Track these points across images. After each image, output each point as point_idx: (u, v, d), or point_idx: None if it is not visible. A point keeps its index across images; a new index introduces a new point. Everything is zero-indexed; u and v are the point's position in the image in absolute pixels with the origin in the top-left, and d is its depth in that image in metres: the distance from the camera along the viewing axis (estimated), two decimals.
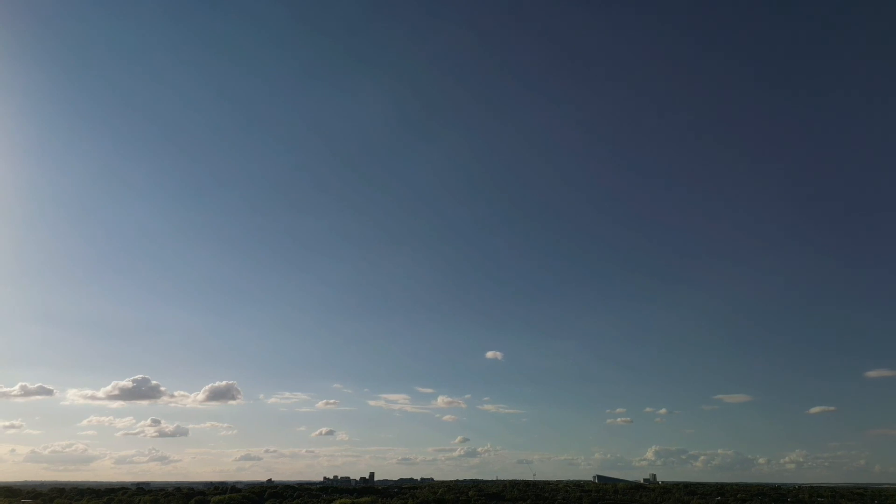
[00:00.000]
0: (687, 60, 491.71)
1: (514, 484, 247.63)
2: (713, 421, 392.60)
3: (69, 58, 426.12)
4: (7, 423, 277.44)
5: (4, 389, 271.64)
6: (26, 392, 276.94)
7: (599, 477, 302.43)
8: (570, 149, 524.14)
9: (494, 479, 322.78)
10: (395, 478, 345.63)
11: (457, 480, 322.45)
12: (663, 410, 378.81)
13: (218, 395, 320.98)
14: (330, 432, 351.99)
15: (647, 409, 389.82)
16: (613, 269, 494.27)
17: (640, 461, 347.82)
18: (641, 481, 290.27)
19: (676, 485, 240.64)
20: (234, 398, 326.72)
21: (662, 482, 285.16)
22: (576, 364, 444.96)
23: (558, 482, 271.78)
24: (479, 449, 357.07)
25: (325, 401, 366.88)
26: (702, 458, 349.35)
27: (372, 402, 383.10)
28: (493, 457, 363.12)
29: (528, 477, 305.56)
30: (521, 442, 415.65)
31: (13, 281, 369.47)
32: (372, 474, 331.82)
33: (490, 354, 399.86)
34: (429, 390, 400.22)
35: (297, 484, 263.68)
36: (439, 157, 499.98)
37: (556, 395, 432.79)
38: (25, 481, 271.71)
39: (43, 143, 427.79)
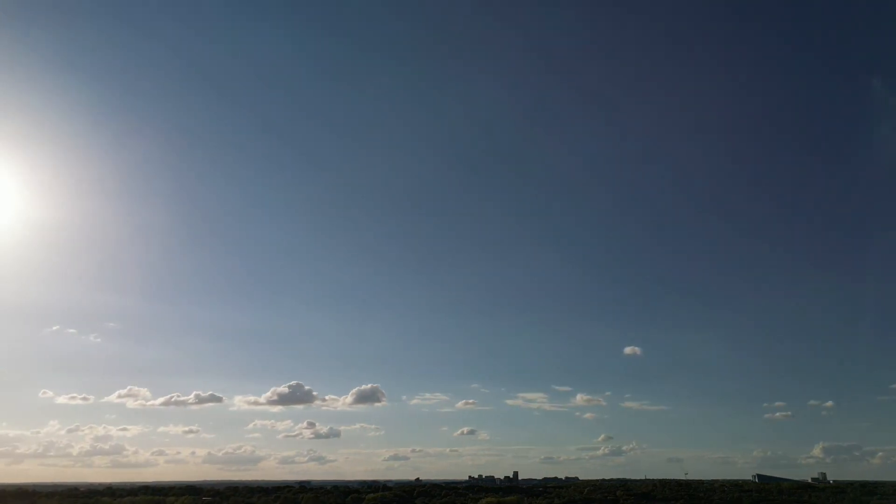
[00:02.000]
0: None
1: (664, 483, 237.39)
2: (891, 413, 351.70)
3: (216, 85, 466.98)
4: (186, 429, 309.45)
5: (182, 398, 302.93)
6: (200, 400, 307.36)
7: (760, 476, 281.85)
8: (700, 143, 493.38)
9: (643, 478, 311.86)
10: (539, 477, 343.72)
11: (602, 480, 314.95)
12: (829, 403, 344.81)
13: (364, 397, 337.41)
14: (471, 432, 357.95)
15: (812, 403, 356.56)
16: (756, 254, 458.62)
17: (807, 459, 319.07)
18: (809, 480, 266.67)
19: (851, 484, 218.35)
20: (378, 400, 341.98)
21: (834, 481, 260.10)
22: (721, 357, 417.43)
23: (713, 481, 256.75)
24: (624, 447, 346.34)
25: (463, 401, 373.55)
26: (879, 454, 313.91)
27: (510, 402, 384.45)
28: (639, 455, 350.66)
29: (680, 476, 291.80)
30: (668, 439, 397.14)
31: (184, 300, 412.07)
32: (516, 473, 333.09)
33: (628, 350, 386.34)
34: (566, 388, 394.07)
35: (444, 482, 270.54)
36: (568, 152, 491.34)
37: (702, 389, 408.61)
38: (205, 480, 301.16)
39: (192, 167, 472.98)
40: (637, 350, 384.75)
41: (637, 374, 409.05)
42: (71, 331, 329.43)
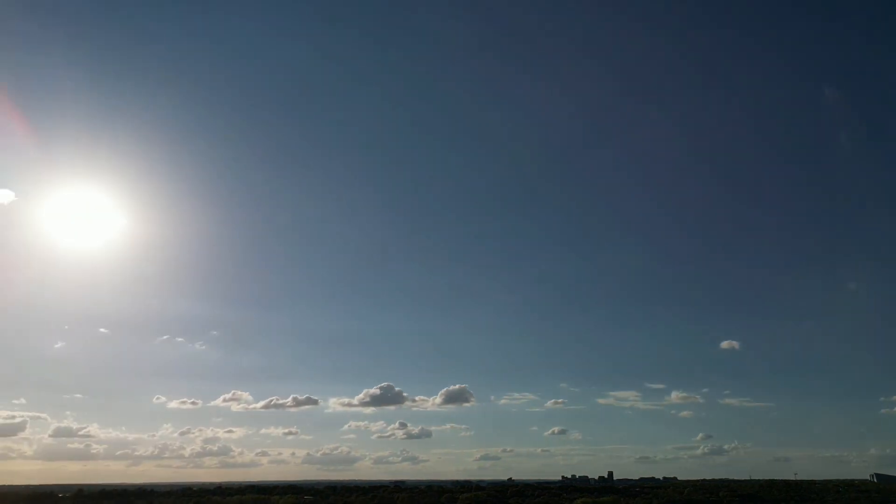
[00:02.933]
0: None
1: (771, 484, 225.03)
2: None
3: (305, 94, 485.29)
4: (286, 430, 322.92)
5: (281, 401, 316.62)
6: (297, 402, 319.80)
7: (879, 476, 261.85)
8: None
9: (747, 478, 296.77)
10: (635, 477, 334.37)
11: (703, 480, 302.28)
12: None
13: (453, 398, 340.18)
14: (562, 431, 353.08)
15: None
16: (869, 233, 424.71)
17: None
18: None
19: None
20: (467, 401, 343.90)
21: None
22: (830, 348, 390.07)
23: (826, 482, 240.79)
24: (726, 446, 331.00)
25: (553, 400, 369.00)
26: None
27: (601, 401, 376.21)
28: (742, 454, 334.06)
29: (788, 476, 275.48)
30: (773, 438, 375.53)
31: (280, 308, 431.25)
32: (611, 473, 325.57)
33: (725, 344, 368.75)
34: (660, 386, 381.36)
35: (537, 482, 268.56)
36: (649, 142, 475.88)
37: (809, 384, 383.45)
38: (305, 480, 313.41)
39: (281, 178, 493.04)
40: (735, 344, 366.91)
41: (735, 370, 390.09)
42: (179, 340, 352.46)
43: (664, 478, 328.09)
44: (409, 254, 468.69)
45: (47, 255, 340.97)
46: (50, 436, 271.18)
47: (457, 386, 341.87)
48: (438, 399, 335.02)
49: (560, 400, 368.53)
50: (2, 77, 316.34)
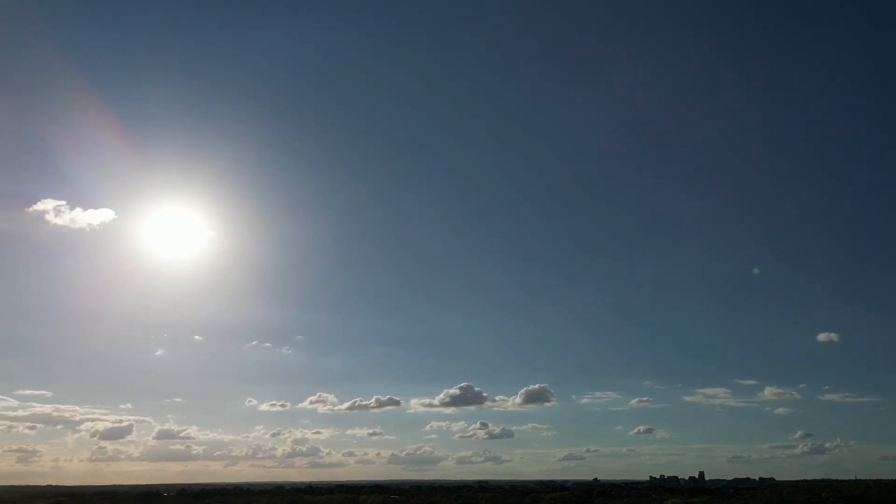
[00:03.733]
0: None
1: (880, 484, 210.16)
2: None
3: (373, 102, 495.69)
4: (370, 431, 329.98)
5: (364, 402, 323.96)
6: (380, 403, 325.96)
7: None
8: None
9: (853, 478, 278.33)
10: (728, 477, 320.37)
11: (803, 480, 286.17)
12: None
13: (533, 397, 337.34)
14: (648, 430, 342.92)
15: None
16: None
17: None
18: None
19: None
20: (548, 400, 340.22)
21: None
22: None
23: None
24: (827, 445, 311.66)
25: (637, 399, 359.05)
26: None
27: (688, 398, 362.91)
28: (846, 453, 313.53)
29: None
30: (881, 435, 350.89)
31: (361, 311, 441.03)
32: (702, 473, 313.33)
33: (822, 337, 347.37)
34: (752, 382, 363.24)
35: (623, 483, 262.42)
36: (725, 128, 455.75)
37: None
38: (391, 480, 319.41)
39: (358, 185, 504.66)
40: (833, 336, 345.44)
41: (835, 364, 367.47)
42: (267, 345, 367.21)
43: (760, 478, 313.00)
44: (486, 255, 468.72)
45: (145, 269, 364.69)
46: (154, 438, 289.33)
47: (537, 386, 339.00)
48: (518, 399, 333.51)
49: (645, 398, 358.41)
50: (108, 104, 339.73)
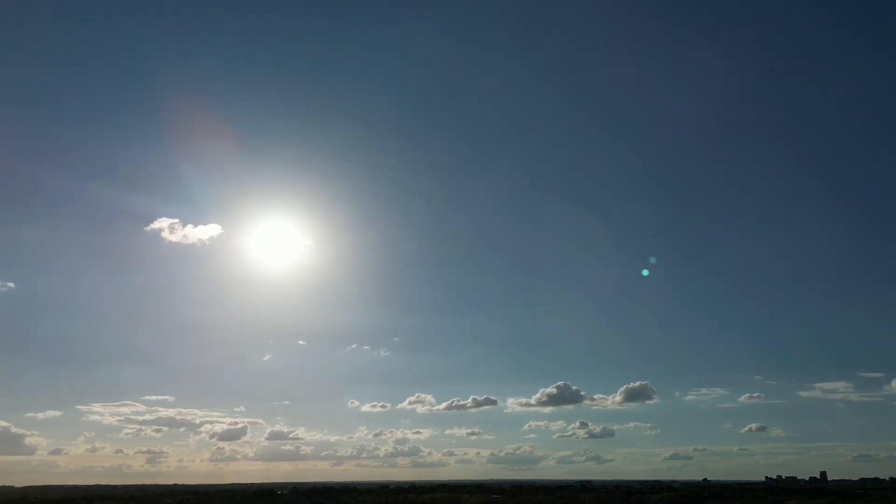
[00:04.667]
0: None
1: None
2: None
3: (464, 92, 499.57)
4: (469, 431, 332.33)
5: (462, 402, 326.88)
6: (477, 403, 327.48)
7: None
8: None
9: None
10: (854, 477, 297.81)
11: None
12: None
13: (634, 395, 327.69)
14: (761, 428, 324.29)
15: None
16: None
17: None
18: None
19: None
20: (649, 398, 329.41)
21: None
22: None
23: None
24: None
25: (747, 395, 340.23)
26: None
27: (804, 394, 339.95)
28: None
29: None
30: None
31: (455, 312, 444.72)
32: (823, 473, 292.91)
33: None
34: (877, 375, 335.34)
35: (736, 483, 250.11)
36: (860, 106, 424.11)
37: None
38: (492, 479, 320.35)
39: (458, 184, 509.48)
40: None
41: None
42: (366, 347, 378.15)
43: (890, 478, 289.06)
44: (581, 251, 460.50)
45: (251, 279, 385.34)
46: (266, 439, 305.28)
47: (637, 383, 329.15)
48: (618, 397, 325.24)
49: (755, 394, 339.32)
50: (216, 124, 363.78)
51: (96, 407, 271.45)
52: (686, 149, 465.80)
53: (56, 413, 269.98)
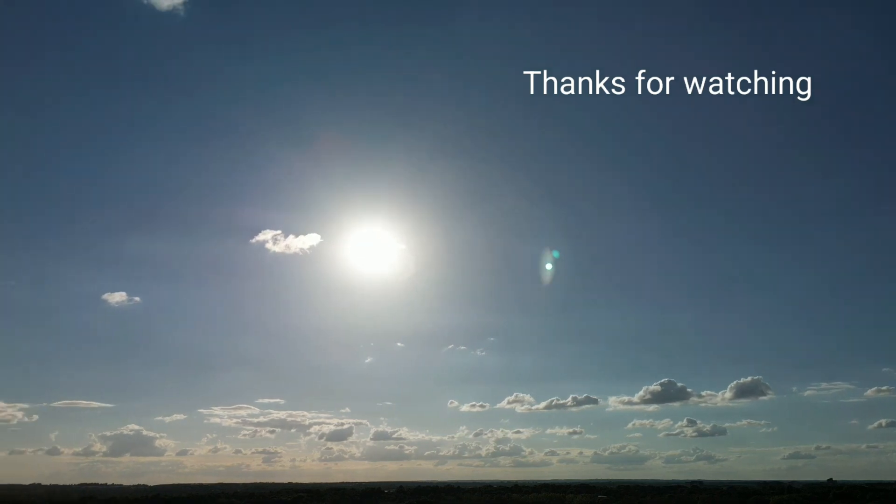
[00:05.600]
0: None
1: None
2: None
3: None
4: (570, 430, 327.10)
5: (561, 401, 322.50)
6: (577, 402, 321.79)
7: None
8: None
9: None
10: None
11: None
12: None
13: (745, 391, 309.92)
14: (893, 424, 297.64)
15: None
16: None
17: None
18: None
19: None
20: (763, 394, 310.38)
21: None
22: None
23: None
24: None
25: (874, 388, 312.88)
26: None
27: None
28: None
29: None
30: None
31: (550, 310, 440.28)
32: None
33: None
34: None
35: (867, 484, 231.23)
36: None
37: None
38: (596, 479, 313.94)
39: (555, 180, 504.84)
40: None
41: None
42: (462, 348, 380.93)
43: None
44: (680, 241, 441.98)
45: (350, 285, 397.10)
46: (371, 439, 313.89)
47: (748, 378, 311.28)
48: (728, 394, 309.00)
49: (885, 388, 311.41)
50: (312, 137, 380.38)
51: (216, 410, 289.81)
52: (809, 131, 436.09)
53: (181, 416, 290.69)
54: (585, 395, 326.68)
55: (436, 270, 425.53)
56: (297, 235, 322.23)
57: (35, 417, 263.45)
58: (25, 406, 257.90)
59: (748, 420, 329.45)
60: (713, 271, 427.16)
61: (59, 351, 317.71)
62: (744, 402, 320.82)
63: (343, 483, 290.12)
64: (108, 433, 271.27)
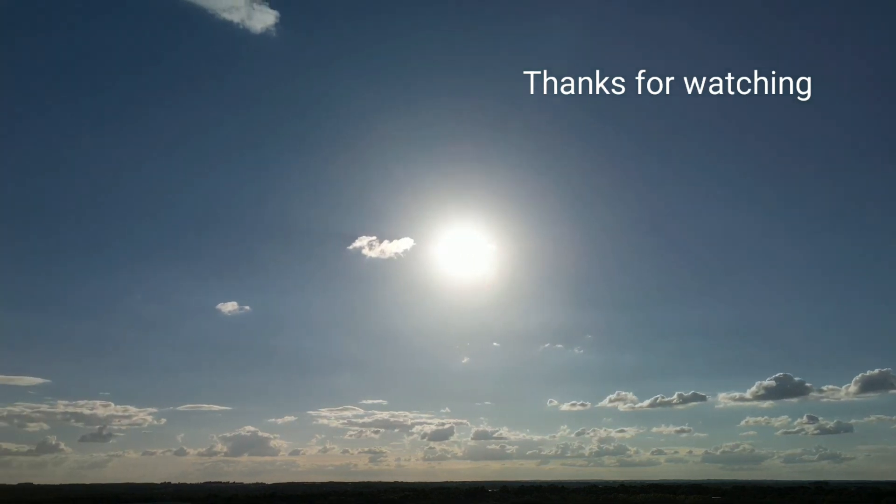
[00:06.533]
0: None
1: None
2: None
3: None
4: (677, 429, 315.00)
5: (666, 399, 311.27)
6: (683, 399, 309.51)
7: None
8: None
9: None
10: None
11: None
12: None
13: (873, 385, 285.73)
14: None
15: None
16: None
17: None
18: None
19: None
20: (893, 387, 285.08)
21: None
22: None
23: None
24: None
25: None
26: None
27: None
28: None
29: None
30: None
31: (649, 305, 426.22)
32: None
33: None
34: None
35: None
36: None
37: None
38: (708, 479, 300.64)
39: (656, 170, 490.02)
40: None
41: None
42: (559, 346, 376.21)
43: None
44: (792, 228, 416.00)
45: (443, 287, 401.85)
46: (472, 439, 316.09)
47: (875, 371, 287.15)
48: (853, 387, 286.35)
49: None
50: (397, 144, 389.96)
51: (323, 412, 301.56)
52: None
53: (292, 418, 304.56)
54: (692, 391, 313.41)
55: (527, 269, 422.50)
56: (390, 240, 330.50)
57: (163, 421, 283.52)
58: (154, 410, 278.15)
59: (877, 415, 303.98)
60: (831, 256, 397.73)
61: (181, 358, 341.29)
62: (871, 395, 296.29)
63: (447, 482, 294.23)
64: (227, 434, 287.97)
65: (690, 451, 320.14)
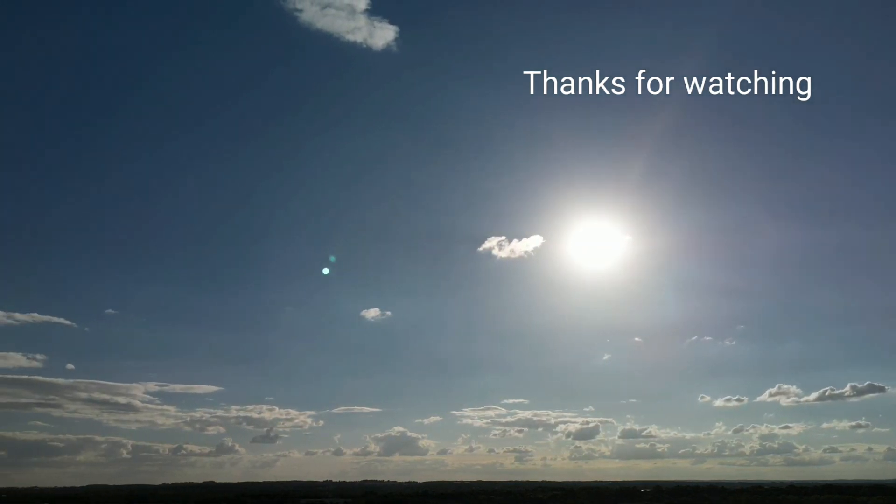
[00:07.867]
0: None
1: None
2: None
3: None
4: (853, 424, 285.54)
5: (837, 391, 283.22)
6: (857, 391, 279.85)
7: None
8: None
9: None
10: None
11: None
12: None
13: None
14: None
15: None
16: None
17: None
18: None
19: None
20: None
21: None
22: None
23: None
24: None
25: None
26: None
27: None
28: None
29: None
30: None
31: (810, 287, 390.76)
32: None
33: None
34: None
35: None
36: None
37: None
38: (894, 480, 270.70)
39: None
40: None
41: None
42: (707, 339, 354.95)
43: None
44: None
45: (578, 283, 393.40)
46: (619, 437, 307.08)
47: None
48: None
49: None
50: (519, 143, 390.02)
51: (467, 412, 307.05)
52: None
53: (438, 418, 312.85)
54: (867, 382, 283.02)
55: (666, 259, 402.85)
56: (520, 239, 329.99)
57: (321, 423, 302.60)
58: (313, 413, 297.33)
59: None
60: None
61: (332, 364, 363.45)
62: None
63: (595, 482, 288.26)
64: (379, 435, 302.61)
65: (870, 448, 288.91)
